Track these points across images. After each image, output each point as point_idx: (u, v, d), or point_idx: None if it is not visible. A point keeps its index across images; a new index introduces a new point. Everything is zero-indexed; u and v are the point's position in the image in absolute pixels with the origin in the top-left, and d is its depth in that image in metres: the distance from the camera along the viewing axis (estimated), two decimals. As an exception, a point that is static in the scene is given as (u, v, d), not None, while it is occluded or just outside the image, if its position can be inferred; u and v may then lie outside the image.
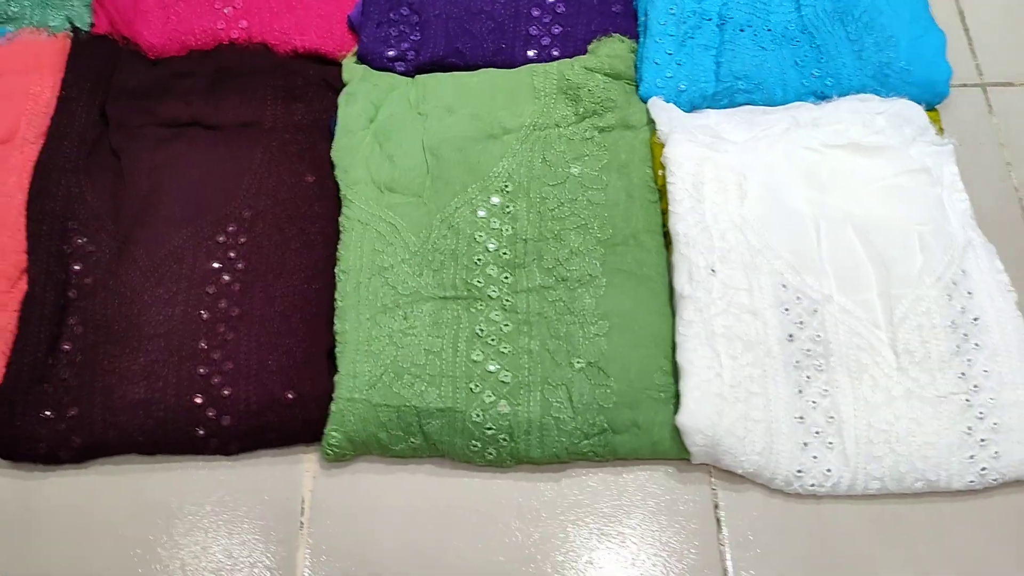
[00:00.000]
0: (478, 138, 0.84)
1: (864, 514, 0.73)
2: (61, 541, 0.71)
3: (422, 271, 0.77)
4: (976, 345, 0.75)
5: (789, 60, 0.88)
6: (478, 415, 0.71)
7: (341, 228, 0.80)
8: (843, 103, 0.86)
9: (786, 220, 0.80)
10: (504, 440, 0.71)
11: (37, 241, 0.77)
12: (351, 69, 0.88)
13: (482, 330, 0.75)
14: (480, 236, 0.79)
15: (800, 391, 0.74)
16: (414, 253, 0.78)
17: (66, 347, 0.74)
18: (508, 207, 0.80)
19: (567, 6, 0.91)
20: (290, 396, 0.72)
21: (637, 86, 0.88)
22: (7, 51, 0.86)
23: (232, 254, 0.78)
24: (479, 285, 0.77)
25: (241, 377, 0.73)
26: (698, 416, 0.71)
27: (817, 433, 0.72)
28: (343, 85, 0.88)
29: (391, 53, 0.89)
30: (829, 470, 0.71)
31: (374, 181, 0.81)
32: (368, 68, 0.88)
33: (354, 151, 0.83)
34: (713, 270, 0.76)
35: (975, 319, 0.76)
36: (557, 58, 0.89)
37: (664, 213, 0.82)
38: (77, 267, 0.77)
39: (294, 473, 0.74)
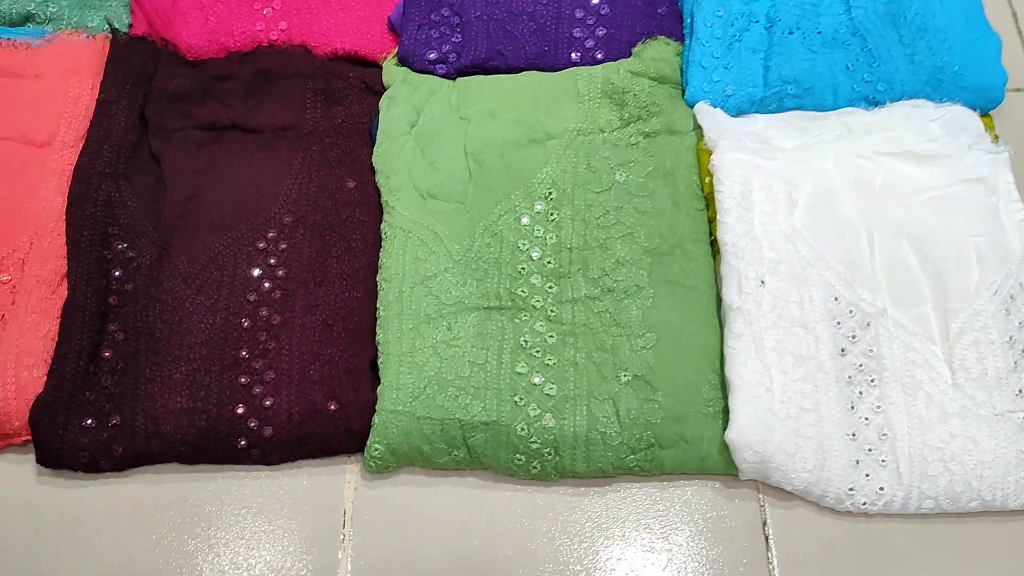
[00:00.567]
0: (521, 143, 0.82)
1: (917, 533, 0.71)
2: (101, 549, 0.70)
3: (465, 280, 0.76)
4: None
5: (840, 64, 0.86)
6: (523, 428, 0.70)
7: (383, 235, 0.79)
8: (896, 109, 0.84)
9: (838, 231, 0.78)
10: (549, 454, 0.70)
11: (77, 247, 0.77)
12: (392, 71, 0.87)
13: (526, 341, 0.74)
14: (524, 244, 0.78)
15: (852, 407, 0.72)
16: (457, 262, 0.77)
17: (107, 354, 0.73)
18: (552, 214, 0.79)
19: (611, 7, 0.89)
20: (332, 407, 0.71)
21: (683, 90, 0.86)
22: (46, 53, 0.86)
23: (272, 260, 0.77)
24: (523, 295, 0.75)
25: (283, 387, 0.72)
26: (748, 432, 0.69)
27: (869, 450, 0.71)
28: (383, 88, 0.87)
29: (432, 55, 0.87)
30: (882, 488, 0.70)
31: (416, 187, 0.80)
32: (409, 71, 0.87)
33: (396, 156, 0.82)
34: (763, 281, 0.75)
35: None
36: (601, 61, 0.88)
37: (711, 221, 0.80)
38: (117, 273, 0.77)
39: (335, 484, 0.73)
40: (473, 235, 0.78)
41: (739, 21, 0.88)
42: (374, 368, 0.74)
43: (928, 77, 0.86)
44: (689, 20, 0.89)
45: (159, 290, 0.76)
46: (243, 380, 0.72)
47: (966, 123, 0.83)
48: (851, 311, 0.75)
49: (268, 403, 0.71)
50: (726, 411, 0.72)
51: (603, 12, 0.89)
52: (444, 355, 0.73)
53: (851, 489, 0.70)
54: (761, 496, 0.73)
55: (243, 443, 0.71)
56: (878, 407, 0.72)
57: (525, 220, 0.79)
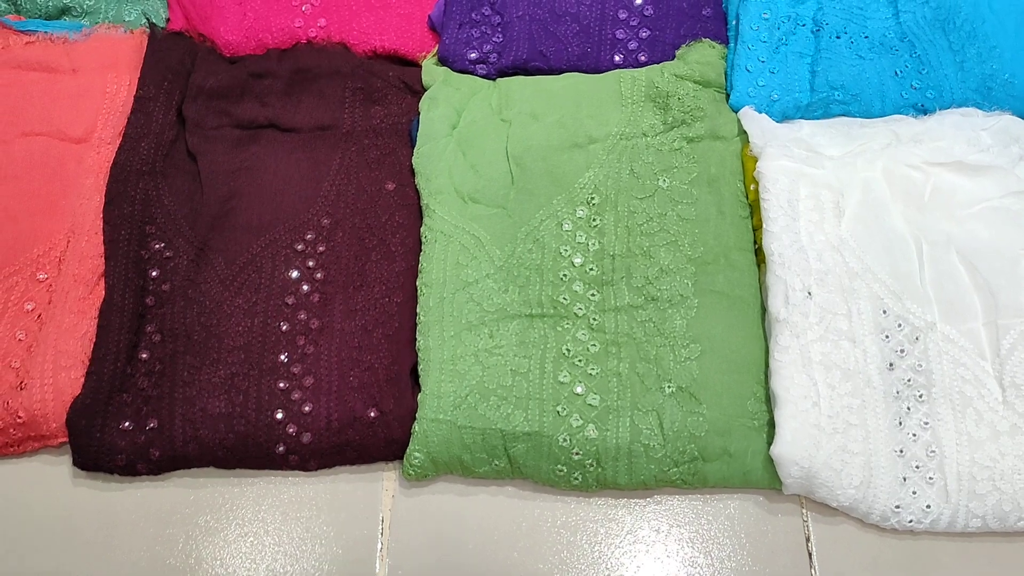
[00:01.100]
0: (563, 147, 0.81)
1: (963, 552, 0.70)
2: (136, 553, 0.70)
3: (508, 287, 0.75)
4: None
5: (888, 70, 0.85)
6: (565, 439, 0.69)
7: (423, 239, 0.78)
8: (946, 118, 0.82)
9: (886, 242, 0.77)
10: (591, 465, 0.69)
11: (115, 246, 0.76)
12: (432, 71, 0.87)
13: (569, 350, 0.73)
14: (565, 250, 0.77)
15: (900, 423, 0.71)
16: (499, 268, 0.76)
17: (144, 356, 0.73)
18: (595, 220, 0.78)
19: (655, 9, 0.88)
20: (372, 415, 0.70)
21: (727, 94, 0.85)
22: (84, 48, 0.85)
23: (311, 263, 0.77)
24: (565, 302, 0.74)
25: (322, 393, 0.71)
26: (794, 447, 0.68)
27: (917, 467, 0.70)
28: (422, 88, 0.86)
29: (473, 55, 0.87)
30: (929, 506, 0.69)
31: (457, 191, 0.79)
32: (449, 71, 0.87)
33: (437, 158, 0.81)
34: (810, 293, 0.74)
35: None
36: (644, 63, 0.87)
37: (755, 230, 0.79)
38: (155, 273, 0.76)
39: (373, 491, 0.72)
40: (515, 240, 0.77)
41: (785, 24, 0.86)
42: (414, 375, 0.74)
43: (978, 85, 0.84)
44: (734, 22, 0.88)
45: (196, 291, 0.75)
46: (282, 385, 0.71)
47: (1017, 132, 0.82)
48: (900, 324, 0.74)
49: (307, 409, 0.70)
50: (771, 425, 0.71)
51: (647, 13, 0.88)
52: (486, 363, 0.72)
53: (897, 506, 0.69)
54: (804, 511, 0.72)
55: (281, 449, 0.70)
56: (926, 423, 0.71)
57: (567, 225, 0.78)
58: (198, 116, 0.83)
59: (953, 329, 0.74)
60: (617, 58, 0.87)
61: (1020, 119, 0.83)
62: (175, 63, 0.85)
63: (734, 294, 0.76)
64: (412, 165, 0.81)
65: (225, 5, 0.88)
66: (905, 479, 0.70)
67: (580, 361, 0.73)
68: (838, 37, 0.86)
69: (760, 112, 0.84)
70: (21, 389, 0.70)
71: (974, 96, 0.84)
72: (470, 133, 0.82)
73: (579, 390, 0.71)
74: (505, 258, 0.77)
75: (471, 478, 0.72)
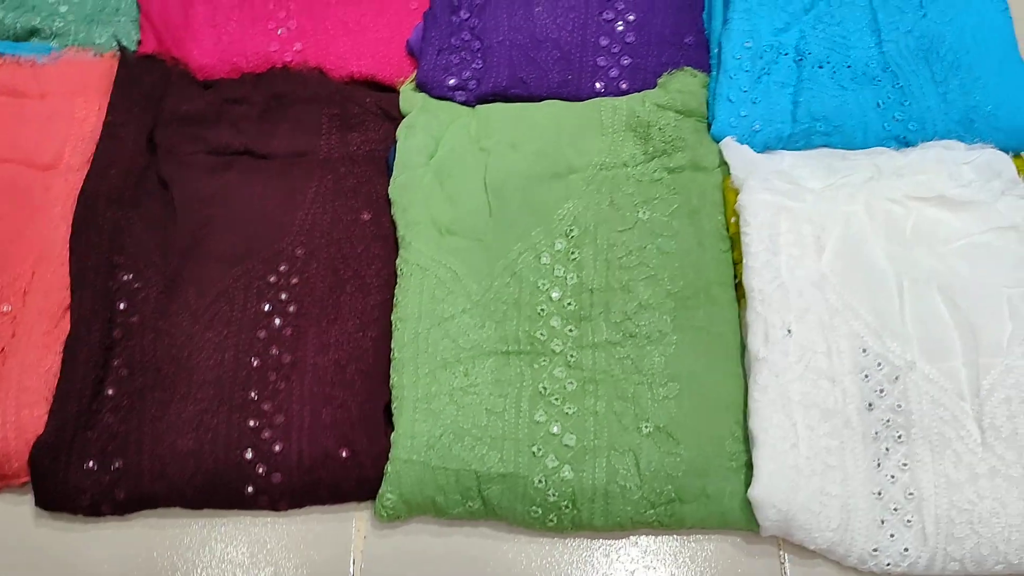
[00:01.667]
0: (542, 177, 0.81)
1: None
2: None
3: (484, 323, 0.75)
4: None
5: (871, 102, 0.85)
6: (540, 481, 0.69)
7: (399, 272, 0.78)
8: (928, 151, 0.82)
9: (867, 278, 0.77)
10: (567, 507, 0.69)
11: (82, 277, 0.75)
12: (410, 98, 0.86)
13: (545, 388, 0.73)
14: (543, 284, 0.76)
15: (878, 464, 0.71)
16: (476, 303, 0.76)
17: (110, 391, 0.72)
18: (573, 253, 0.78)
19: (637, 36, 0.88)
20: (344, 454, 0.70)
21: (709, 124, 0.85)
22: (52, 72, 0.85)
23: (284, 296, 0.76)
24: (542, 338, 0.74)
25: (293, 431, 0.71)
26: (772, 490, 0.68)
27: (895, 510, 0.70)
28: (400, 114, 0.86)
29: (452, 82, 0.86)
30: (906, 549, 0.69)
31: (434, 222, 0.79)
32: (427, 97, 0.86)
33: (413, 189, 0.81)
34: (789, 330, 0.73)
35: None
36: (626, 91, 0.87)
37: (737, 264, 0.79)
38: (123, 305, 0.75)
39: (344, 531, 0.72)
40: (492, 274, 0.77)
41: (768, 53, 0.86)
42: (387, 413, 0.73)
43: (961, 117, 0.85)
44: (717, 51, 0.88)
45: (166, 324, 0.74)
46: (252, 423, 0.71)
47: (1000, 167, 0.82)
48: (879, 364, 0.73)
49: (277, 448, 0.70)
50: (749, 465, 0.71)
51: (628, 40, 0.88)
52: (461, 403, 0.72)
53: (875, 549, 0.69)
54: (782, 552, 0.72)
55: (251, 489, 0.70)
56: (905, 465, 0.71)
57: (545, 258, 0.77)
58: (170, 142, 0.83)
59: (933, 368, 0.73)
60: (598, 85, 0.87)
61: (1002, 153, 0.83)
62: (147, 88, 0.85)
63: (714, 330, 0.76)
64: (388, 195, 0.81)
65: (199, 28, 0.88)
66: (883, 522, 0.70)
67: (556, 400, 0.72)
68: (821, 67, 0.86)
69: (742, 143, 0.84)
70: (-21, 428, 0.69)
71: (957, 128, 0.84)
72: (448, 163, 0.82)
73: (555, 430, 0.71)
74: (482, 292, 0.76)
75: (444, 519, 0.72)
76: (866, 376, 0.73)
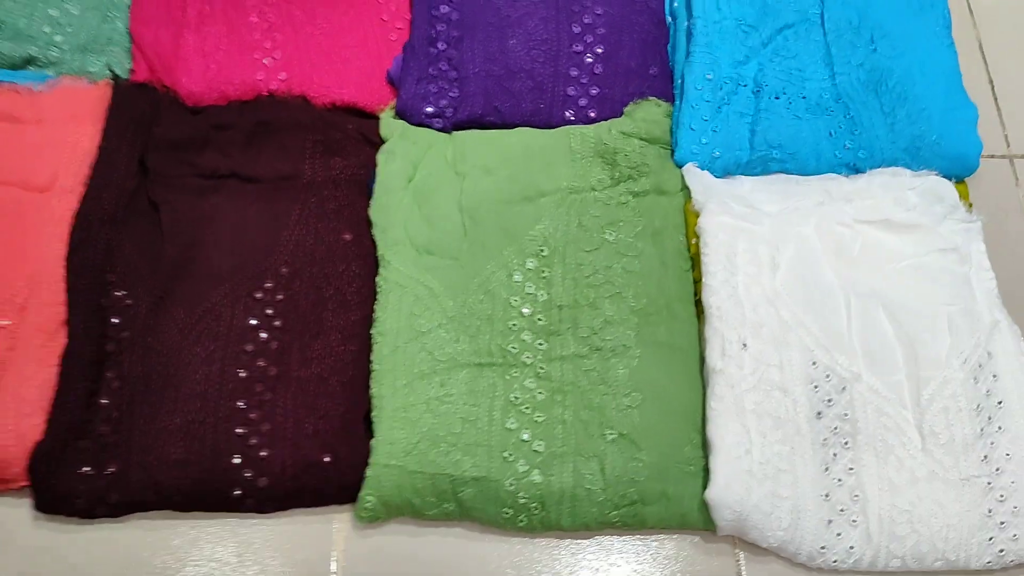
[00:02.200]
0: (515, 200, 0.85)
1: None
2: None
3: (459, 337, 0.78)
4: (999, 428, 0.76)
5: (823, 131, 0.89)
6: (511, 484, 0.73)
7: (378, 289, 0.81)
8: (875, 177, 0.87)
9: (817, 296, 0.81)
10: (536, 509, 0.73)
11: (76, 294, 0.78)
12: (390, 125, 0.89)
13: (516, 398, 0.76)
14: (515, 301, 0.80)
15: (826, 468, 0.75)
16: (451, 318, 0.79)
17: (104, 401, 0.75)
18: (544, 271, 0.82)
19: (605, 67, 0.92)
20: (327, 460, 0.73)
21: (672, 151, 0.89)
22: (48, 99, 0.86)
23: (269, 311, 0.79)
24: (514, 351, 0.78)
25: (278, 439, 0.74)
26: (727, 493, 0.72)
27: (842, 511, 0.74)
28: (381, 140, 0.89)
29: (429, 109, 0.89)
30: (852, 547, 0.73)
31: (412, 243, 0.82)
32: (406, 124, 0.89)
33: (393, 211, 0.84)
34: (745, 345, 0.78)
35: (999, 403, 0.77)
36: (594, 119, 0.90)
37: (697, 282, 0.83)
38: (115, 320, 0.78)
39: (325, 532, 0.75)
40: (467, 291, 0.80)
41: (727, 85, 0.90)
42: (367, 421, 0.76)
43: (907, 145, 0.89)
44: (680, 82, 0.92)
45: (156, 339, 0.77)
46: (239, 431, 0.74)
47: (942, 193, 0.87)
48: (828, 375, 0.78)
49: (263, 454, 0.73)
50: (706, 470, 0.74)
51: (597, 72, 0.92)
52: (437, 411, 0.75)
53: (823, 547, 0.73)
54: (737, 551, 0.76)
55: (238, 492, 0.73)
56: (851, 469, 0.75)
57: (517, 277, 0.81)
58: (161, 166, 0.85)
59: (877, 380, 0.78)
60: (568, 114, 0.91)
61: (946, 179, 0.88)
62: (138, 114, 0.87)
63: (674, 344, 0.80)
64: (369, 217, 0.84)
65: (188, 57, 0.89)
66: (830, 522, 0.74)
67: (527, 409, 0.76)
68: (777, 98, 0.91)
69: (703, 168, 0.88)
70: (-18, 435, 0.72)
71: (903, 156, 0.89)
72: (425, 186, 0.85)
73: (525, 436, 0.75)
74: (457, 308, 0.80)
75: (421, 521, 0.75)
76: (815, 387, 0.78)
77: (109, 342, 0.77)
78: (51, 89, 0.87)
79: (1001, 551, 0.73)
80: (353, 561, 0.74)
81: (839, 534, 0.73)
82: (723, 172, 0.88)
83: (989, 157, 0.96)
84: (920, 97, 0.91)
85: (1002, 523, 0.73)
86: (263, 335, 0.78)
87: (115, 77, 0.90)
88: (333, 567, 0.74)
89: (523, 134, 0.89)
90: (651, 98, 0.91)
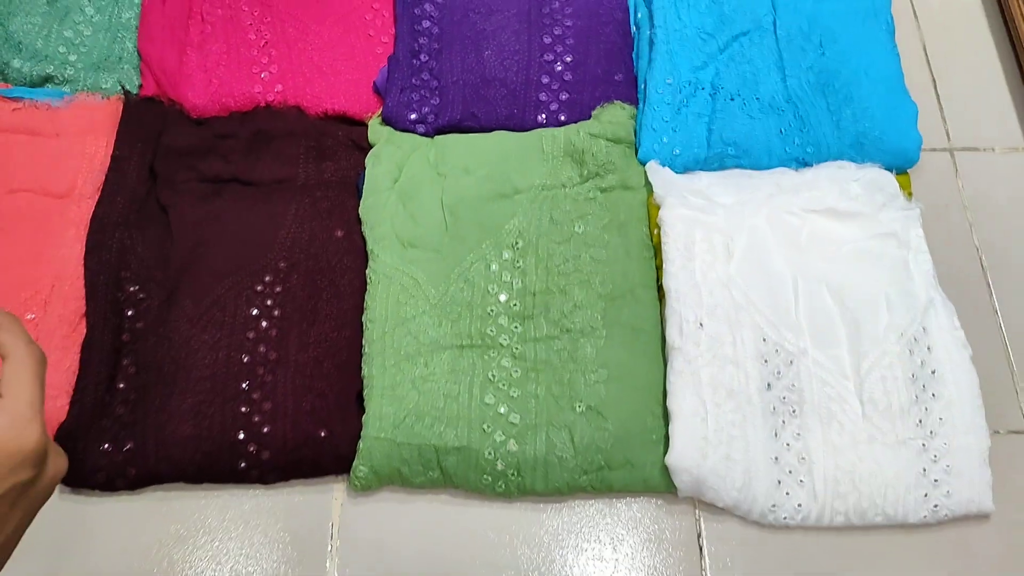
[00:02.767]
0: (491, 197, 0.90)
1: (830, 543, 0.80)
2: (115, 558, 0.78)
3: (441, 322, 0.84)
4: (933, 395, 0.82)
5: (774, 129, 0.95)
6: (490, 453, 0.79)
7: (368, 280, 0.86)
8: (821, 170, 0.93)
9: (767, 279, 0.87)
10: (513, 475, 0.79)
11: (94, 289, 0.84)
12: (377, 131, 0.95)
13: (494, 375, 0.83)
14: (493, 288, 0.86)
15: (776, 434, 0.81)
16: (434, 305, 0.85)
17: (121, 386, 0.81)
18: (518, 262, 0.88)
19: (574, 75, 0.98)
20: (323, 434, 0.79)
21: (636, 150, 0.95)
22: (65, 113, 0.92)
23: (269, 302, 0.85)
24: (492, 334, 0.84)
25: (279, 416, 0.80)
26: (685, 457, 0.78)
27: (790, 472, 0.79)
28: (369, 145, 0.94)
29: (413, 116, 0.95)
30: (800, 505, 0.78)
31: (398, 237, 0.88)
32: (392, 130, 0.94)
33: (380, 209, 0.89)
34: (701, 324, 0.84)
35: (933, 372, 0.83)
36: (564, 122, 0.96)
37: (658, 269, 0.89)
38: (130, 313, 0.84)
39: (325, 501, 0.81)
40: (448, 280, 0.86)
41: (686, 88, 0.96)
42: (359, 399, 0.82)
43: (852, 141, 0.94)
44: (643, 86, 0.97)
45: (167, 329, 0.83)
46: (243, 409, 0.80)
47: (883, 184, 0.92)
48: (777, 351, 0.84)
49: (266, 430, 0.79)
50: (667, 438, 0.79)
51: (566, 79, 0.97)
52: (422, 389, 0.81)
53: (773, 505, 0.78)
54: (697, 511, 0.82)
55: (243, 465, 0.79)
56: (798, 435, 0.81)
57: (494, 267, 0.87)
58: (168, 172, 0.90)
59: (821, 354, 0.84)
60: (540, 117, 0.95)
61: (886, 171, 0.93)
62: (147, 126, 0.92)
63: (638, 326, 0.85)
64: (359, 215, 0.90)
65: (192, 73, 0.94)
66: (780, 482, 0.79)
67: (503, 385, 0.82)
68: (732, 99, 0.96)
69: (664, 165, 0.93)
70: (13, 417, 0.78)
71: (849, 151, 0.94)
72: (410, 186, 0.91)
73: (502, 410, 0.81)
74: (439, 296, 0.86)
75: (410, 488, 0.81)
76: (765, 361, 0.83)
77: (125, 332, 0.83)
78: (68, 104, 0.93)
79: (935, 506, 0.78)
80: (349, 526, 0.80)
81: (788, 493, 0.78)
82: (683, 168, 0.93)
83: (931, 150, 1.02)
84: (864, 97, 0.96)
85: (936, 480, 0.79)
86: (264, 324, 0.84)
87: (126, 92, 0.95)
88: (331, 531, 0.80)
89: (499, 137, 0.94)
90: (616, 102, 0.96)
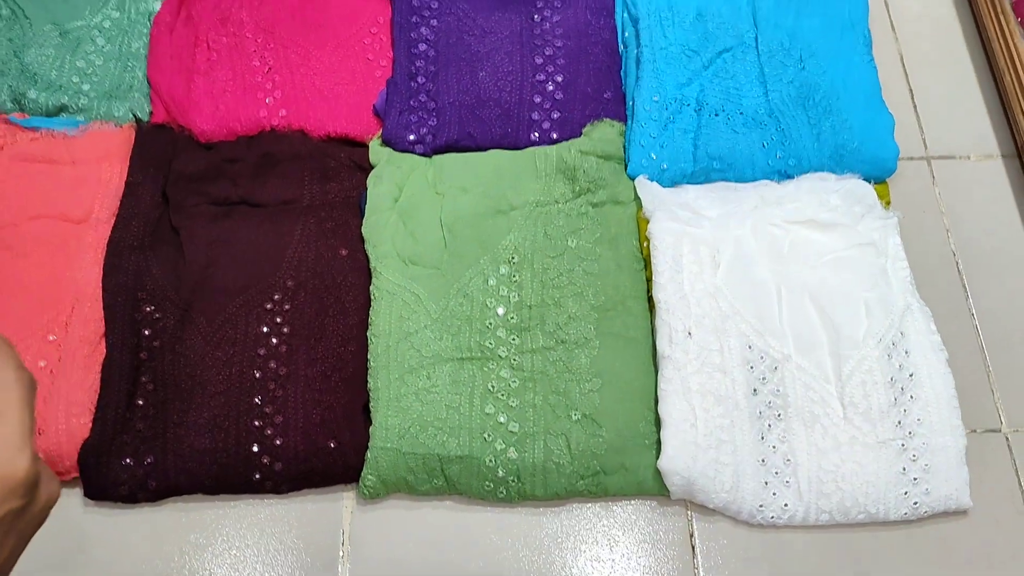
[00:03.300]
0: (488, 214, 0.93)
1: (816, 541, 0.83)
2: (138, 567, 0.81)
3: (442, 336, 0.88)
4: (911, 397, 0.85)
5: (757, 143, 0.98)
6: (491, 460, 0.82)
7: (372, 297, 0.89)
8: (803, 182, 0.96)
9: (752, 289, 0.90)
10: (513, 481, 0.82)
11: (112, 310, 0.87)
12: (377, 152, 0.98)
13: (493, 386, 0.86)
14: (491, 302, 0.89)
15: (762, 437, 0.84)
16: (435, 320, 0.88)
17: (140, 402, 0.84)
18: (515, 276, 0.91)
19: (564, 94, 1.01)
20: (332, 445, 0.83)
21: (626, 165, 0.98)
22: (81, 142, 0.95)
23: (279, 319, 0.88)
24: (490, 347, 0.88)
25: (290, 429, 0.83)
26: (676, 461, 0.81)
27: (776, 473, 0.82)
28: (370, 165, 0.97)
29: (411, 137, 0.98)
30: (786, 504, 0.81)
31: (399, 255, 0.91)
32: (392, 151, 0.98)
33: (382, 228, 0.92)
34: (690, 333, 0.87)
35: (911, 375, 0.86)
36: (556, 140, 0.99)
37: (648, 280, 0.92)
38: (147, 332, 0.87)
39: (335, 509, 0.84)
40: (448, 296, 0.89)
41: (672, 105, 0.99)
42: (366, 411, 0.85)
43: (831, 153, 0.98)
44: (631, 104, 1.00)
45: (182, 347, 0.86)
46: (256, 423, 0.83)
47: (861, 194, 0.95)
48: (762, 357, 0.87)
49: (278, 442, 0.82)
50: (659, 443, 0.82)
51: (558, 98, 1.01)
52: (425, 400, 0.84)
53: (761, 506, 0.81)
54: (689, 512, 0.84)
55: (257, 476, 0.82)
56: (783, 437, 0.84)
57: (492, 281, 0.90)
58: (179, 196, 0.93)
59: (804, 360, 0.87)
60: (533, 136, 0.98)
61: (864, 182, 0.96)
62: (159, 152, 0.95)
63: (629, 336, 0.89)
64: (362, 234, 0.93)
65: (200, 99, 0.97)
66: (767, 483, 0.82)
67: (503, 395, 0.85)
68: (716, 115, 1.00)
69: (652, 180, 0.96)
70: (40, 434, 0.81)
71: (829, 162, 0.98)
72: (410, 205, 0.93)
73: (502, 419, 0.84)
74: (440, 311, 0.89)
75: (416, 495, 0.84)
76: (751, 368, 0.86)
77: (143, 351, 0.86)
78: (83, 133, 0.96)
79: (915, 503, 0.82)
80: (359, 533, 0.83)
81: (775, 493, 0.81)
82: (670, 182, 0.96)
83: (909, 159, 1.05)
84: (843, 109, 1.00)
85: (915, 479, 0.82)
86: (274, 340, 0.87)
87: (137, 120, 0.98)
88: (342, 538, 0.83)
89: (494, 155, 0.97)
90: (606, 119, 0.99)
